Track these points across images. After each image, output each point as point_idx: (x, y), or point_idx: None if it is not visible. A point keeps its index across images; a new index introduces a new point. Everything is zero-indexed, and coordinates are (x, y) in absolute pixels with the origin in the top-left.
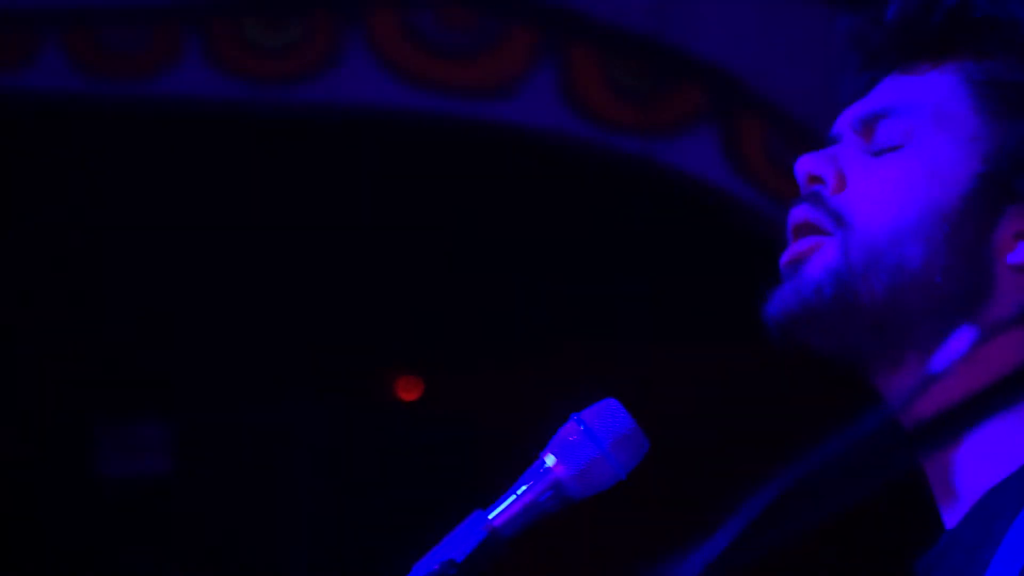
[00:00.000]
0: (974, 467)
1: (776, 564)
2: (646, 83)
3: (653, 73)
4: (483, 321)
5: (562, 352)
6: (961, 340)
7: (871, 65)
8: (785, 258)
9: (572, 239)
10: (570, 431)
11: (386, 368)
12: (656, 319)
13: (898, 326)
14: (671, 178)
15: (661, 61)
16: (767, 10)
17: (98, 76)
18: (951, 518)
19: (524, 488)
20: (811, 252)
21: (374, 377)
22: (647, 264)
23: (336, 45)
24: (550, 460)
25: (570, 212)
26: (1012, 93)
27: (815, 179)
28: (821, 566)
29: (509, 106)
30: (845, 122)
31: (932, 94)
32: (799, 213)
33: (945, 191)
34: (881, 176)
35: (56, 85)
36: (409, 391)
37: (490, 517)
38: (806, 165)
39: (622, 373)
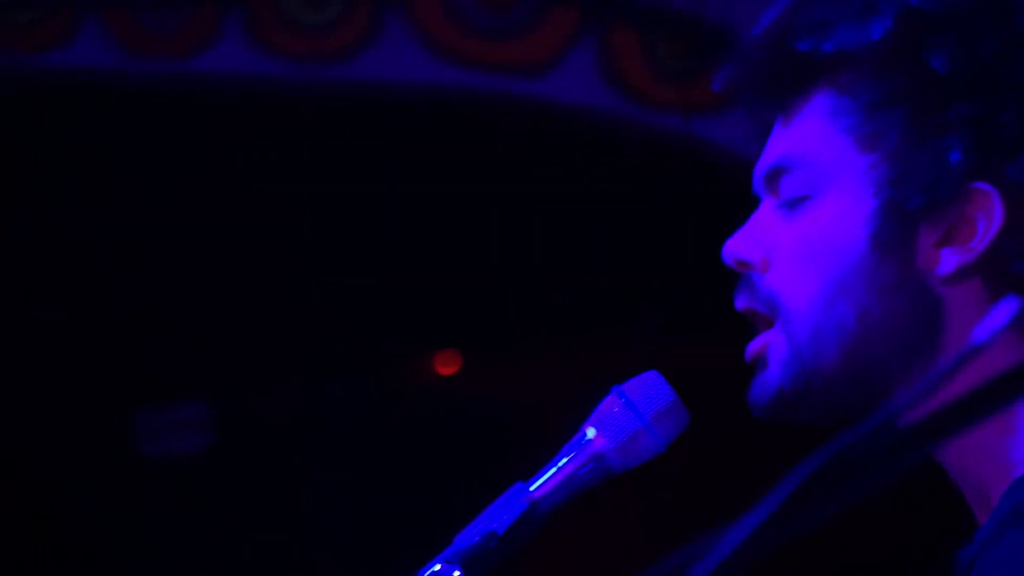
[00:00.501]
0: (993, 458)
1: (815, 559)
2: (687, 62)
3: (693, 52)
4: (520, 299)
5: (603, 334)
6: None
7: (753, 113)
8: (747, 356)
9: (612, 217)
10: (611, 403)
11: (423, 347)
12: (701, 302)
13: (868, 379)
14: (712, 157)
15: (702, 40)
16: None
17: (138, 55)
18: (981, 511)
19: (565, 460)
20: (764, 351)
21: (410, 356)
22: (688, 242)
23: (375, 23)
24: (591, 432)
25: (610, 191)
26: (875, 117)
27: (743, 264)
28: (860, 562)
29: (548, 84)
30: (757, 182)
31: (812, 142)
32: (740, 303)
33: (853, 238)
34: (796, 242)
35: (96, 64)
36: (447, 365)
37: (531, 489)
38: (732, 251)
39: (663, 355)
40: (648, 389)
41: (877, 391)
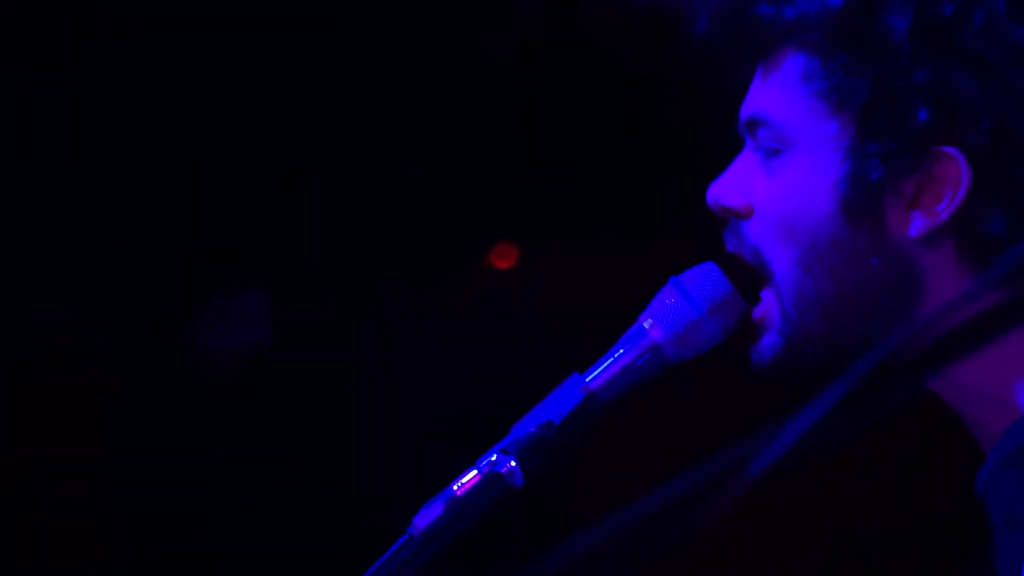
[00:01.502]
0: (996, 395)
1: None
2: None
3: None
4: (579, 192)
5: (666, 225)
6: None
7: (728, 65)
8: (754, 318)
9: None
10: (668, 295)
11: (480, 237)
12: None
13: (852, 338)
14: None
15: None
16: None
17: None
18: (987, 442)
19: (621, 351)
20: (766, 318)
21: (469, 247)
22: None
23: None
24: (648, 323)
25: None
26: (841, 81)
27: (726, 210)
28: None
29: None
30: (740, 121)
31: (784, 100)
32: (729, 246)
33: (823, 206)
34: (774, 200)
35: None
36: (504, 258)
37: (587, 380)
38: (716, 196)
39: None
40: (704, 280)
41: (861, 349)
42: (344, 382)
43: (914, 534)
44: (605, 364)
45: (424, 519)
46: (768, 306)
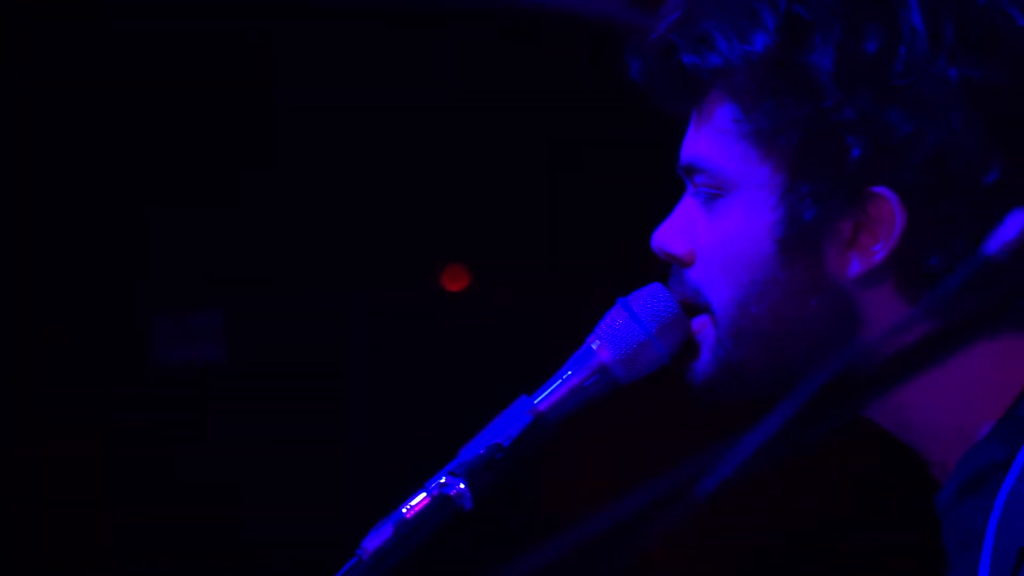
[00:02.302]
0: (949, 420)
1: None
2: None
3: None
4: (530, 213)
5: (613, 246)
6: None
7: (665, 107)
8: (692, 329)
9: (629, 130)
10: (616, 315)
11: (436, 259)
12: None
13: (790, 374)
14: None
15: None
16: None
17: None
18: (938, 470)
19: (570, 372)
20: (699, 335)
21: (423, 267)
22: None
23: None
24: (596, 344)
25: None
26: (770, 123)
27: (670, 256)
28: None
29: None
30: (678, 166)
31: (717, 146)
32: (674, 291)
33: (761, 248)
34: (714, 244)
35: None
36: (455, 281)
37: (536, 402)
38: (659, 243)
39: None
40: (652, 301)
41: (800, 379)
42: (294, 400)
43: (868, 558)
44: (553, 385)
45: (373, 542)
46: (704, 328)
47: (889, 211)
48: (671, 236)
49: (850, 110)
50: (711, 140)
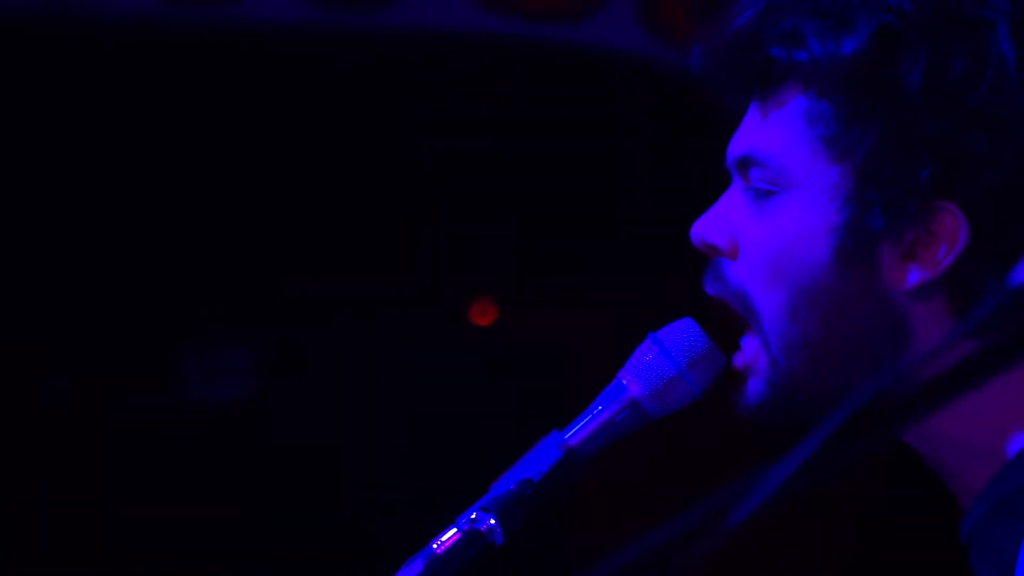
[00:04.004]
0: (975, 445)
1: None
2: (727, 5)
3: None
4: (559, 246)
5: (643, 280)
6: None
7: (725, 94)
8: (737, 365)
9: (648, 162)
10: (646, 350)
11: (468, 293)
12: None
13: (836, 387)
14: None
15: None
16: None
17: (177, 0)
18: (963, 496)
19: (600, 408)
20: (752, 362)
21: (455, 301)
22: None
23: None
24: (626, 380)
25: (649, 135)
26: (847, 129)
27: (711, 248)
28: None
29: (587, 28)
30: (729, 159)
31: (784, 142)
32: (710, 289)
33: (817, 251)
34: (763, 241)
35: (137, 9)
36: (483, 316)
37: (566, 437)
38: (701, 233)
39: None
40: (682, 335)
41: (843, 397)
42: (325, 435)
43: None
44: (584, 421)
45: None
46: (754, 353)
47: (953, 227)
48: (713, 226)
49: (931, 125)
50: (778, 134)
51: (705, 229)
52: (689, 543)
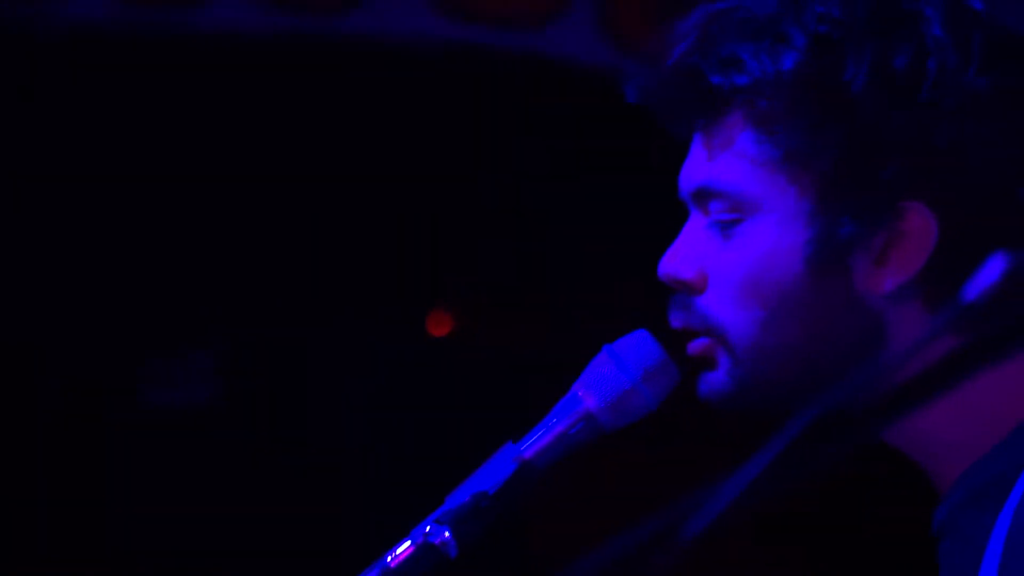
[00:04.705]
0: (950, 441)
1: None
2: (688, 11)
3: (694, 5)
4: (521, 256)
5: (601, 289)
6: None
7: (670, 126)
8: (690, 352)
9: (609, 173)
10: (601, 363)
11: (424, 301)
12: None
13: (814, 387)
14: None
15: None
16: None
17: (140, 5)
18: (943, 483)
19: (555, 420)
20: (709, 355)
21: (413, 308)
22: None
23: None
24: (582, 392)
25: (607, 145)
26: (800, 144)
27: (679, 283)
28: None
29: (547, 37)
30: (684, 192)
31: (739, 169)
32: (676, 321)
33: (790, 266)
34: (734, 268)
35: (95, 15)
36: (439, 326)
37: (521, 449)
38: (667, 269)
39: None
40: (638, 348)
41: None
42: (282, 449)
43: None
44: (539, 433)
45: None
46: (715, 350)
47: (923, 225)
48: (681, 262)
49: (884, 128)
50: (730, 163)
51: (672, 265)
52: (654, 549)
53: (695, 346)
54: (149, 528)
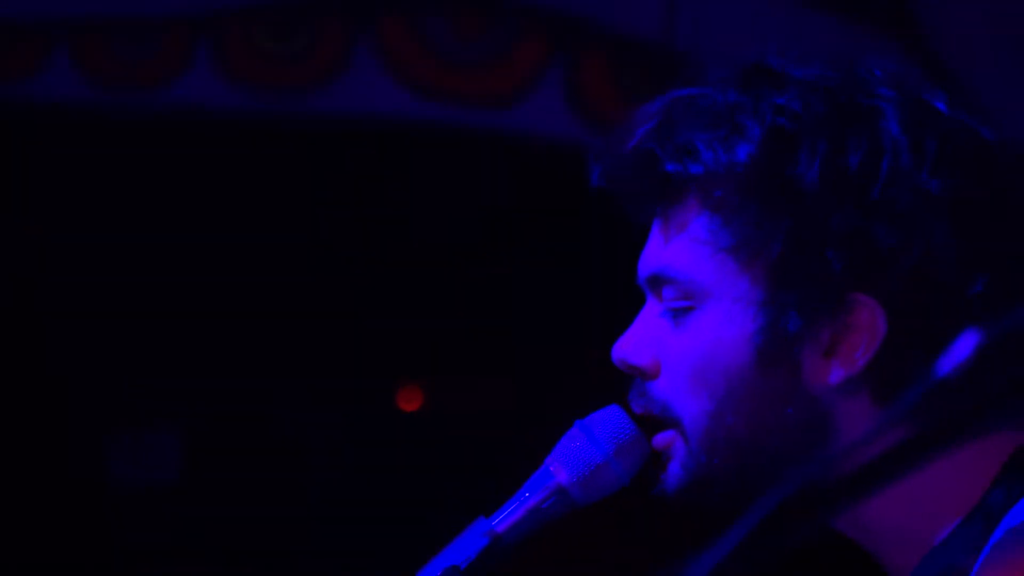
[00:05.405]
0: (903, 531)
1: None
2: (657, 90)
3: (663, 80)
4: (488, 329)
5: (571, 359)
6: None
7: (628, 210)
8: (655, 445)
9: (579, 245)
10: (573, 437)
11: (393, 378)
12: None
13: (762, 482)
14: None
15: (671, 67)
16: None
17: (108, 86)
18: (898, 573)
19: (528, 494)
20: (668, 449)
21: (381, 386)
22: None
23: (345, 52)
24: (554, 467)
25: (579, 219)
26: (751, 234)
27: (633, 368)
28: None
29: (517, 115)
30: (640, 277)
31: (691, 257)
32: (636, 407)
33: (738, 357)
34: (684, 355)
35: (65, 95)
36: (409, 402)
37: (493, 524)
38: (622, 355)
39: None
40: (609, 422)
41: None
42: (252, 525)
43: None
44: (511, 507)
45: None
46: (673, 441)
47: (871, 320)
48: (634, 348)
49: (834, 223)
50: (684, 250)
51: (625, 351)
52: None
53: (658, 440)
54: None
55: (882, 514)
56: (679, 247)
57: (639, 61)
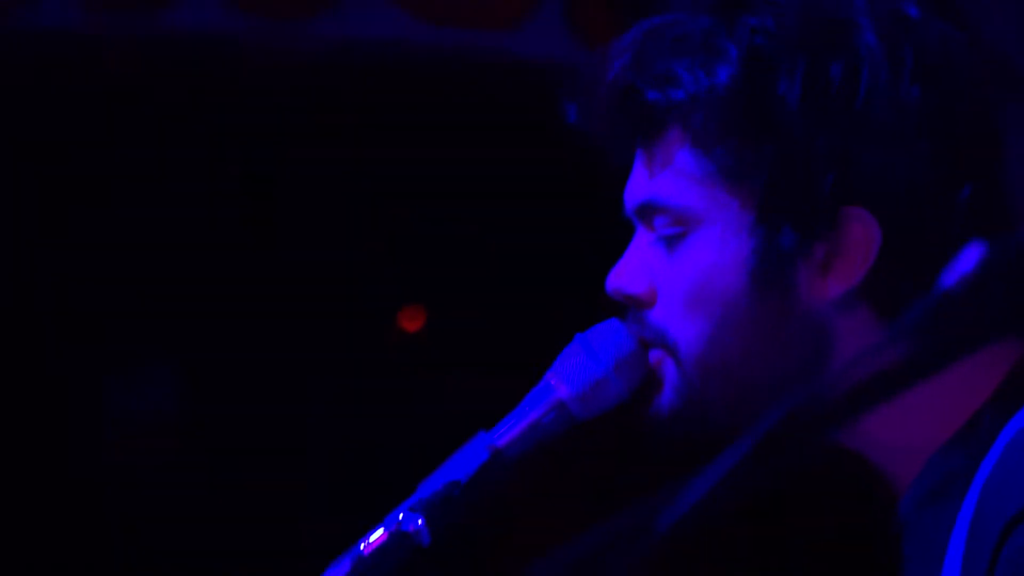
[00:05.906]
0: (908, 439)
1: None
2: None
3: (662, 3)
4: (490, 252)
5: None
6: None
7: (610, 145)
8: (651, 360)
9: (573, 170)
10: (573, 352)
11: (392, 300)
12: None
13: (759, 407)
14: None
15: None
16: None
17: (105, 10)
18: (901, 483)
19: (528, 409)
20: (659, 371)
21: (380, 310)
22: None
23: None
24: (554, 381)
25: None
26: (739, 157)
27: (628, 298)
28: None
29: (516, 39)
30: (628, 209)
31: (680, 184)
32: (634, 334)
33: (734, 279)
34: (679, 281)
35: (60, 24)
36: (412, 321)
37: (494, 438)
38: (616, 284)
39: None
40: (610, 337)
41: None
42: (252, 436)
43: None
44: (511, 422)
45: None
46: (664, 363)
47: (865, 233)
48: (628, 276)
49: (820, 138)
50: (671, 178)
51: (620, 280)
52: (616, 550)
53: (652, 357)
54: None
55: (884, 429)
56: (666, 176)
57: None
